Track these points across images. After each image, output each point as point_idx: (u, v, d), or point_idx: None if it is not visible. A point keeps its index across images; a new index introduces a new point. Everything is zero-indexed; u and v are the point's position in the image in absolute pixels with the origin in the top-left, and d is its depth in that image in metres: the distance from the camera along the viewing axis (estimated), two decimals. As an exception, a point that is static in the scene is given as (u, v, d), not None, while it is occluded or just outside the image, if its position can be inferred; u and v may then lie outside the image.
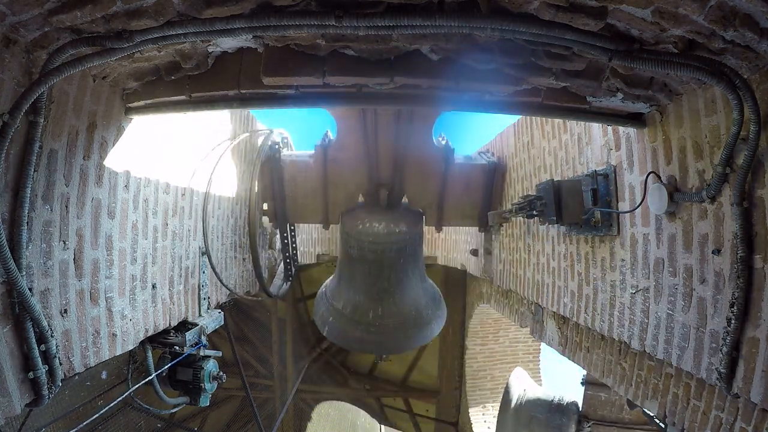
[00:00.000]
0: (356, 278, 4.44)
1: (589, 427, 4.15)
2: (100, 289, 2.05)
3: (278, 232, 4.71)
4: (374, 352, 5.14)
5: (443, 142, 4.21)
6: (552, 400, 4.57)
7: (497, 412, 5.11)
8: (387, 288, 4.31)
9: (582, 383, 4.26)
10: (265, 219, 4.56)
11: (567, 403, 4.48)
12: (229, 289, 3.54)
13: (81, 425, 2.00)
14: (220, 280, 3.34)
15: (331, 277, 4.96)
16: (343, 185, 4.26)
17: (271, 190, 4.35)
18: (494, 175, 4.36)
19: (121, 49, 1.50)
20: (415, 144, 3.91)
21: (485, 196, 4.41)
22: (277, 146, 4.21)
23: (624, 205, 2.39)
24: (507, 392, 4.81)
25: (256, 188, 3.95)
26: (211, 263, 3.10)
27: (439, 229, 4.70)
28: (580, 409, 4.33)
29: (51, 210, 1.75)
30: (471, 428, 6.39)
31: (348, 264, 4.44)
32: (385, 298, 4.36)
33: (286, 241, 4.77)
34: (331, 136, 4.07)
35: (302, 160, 4.27)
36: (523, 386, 4.83)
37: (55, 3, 1.37)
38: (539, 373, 6.54)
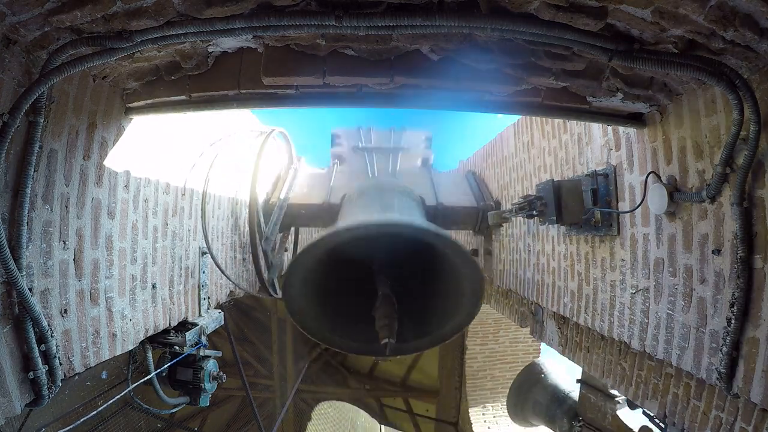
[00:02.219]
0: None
1: (579, 426, 4.18)
2: (100, 289, 2.05)
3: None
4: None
5: None
6: (558, 392, 4.69)
7: (498, 410, 5.19)
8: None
9: (577, 381, 4.30)
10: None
11: (569, 399, 4.57)
12: (234, 284, 3.54)
13: (78, 422, 1.99)
14: (225, 275, 3.34)
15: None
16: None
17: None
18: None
19: (121, 49, 1.50)
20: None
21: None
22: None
23: (624, 205, 2.39)
24: (536, 366, 4.98)
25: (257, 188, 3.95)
26: (213, 257, 3.11)
27: None
28: (575, 407, 4.40)
29: (51, 210, 1.74)
30: (471, 428, 6.38)
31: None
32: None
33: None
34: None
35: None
36: (551, 370, 5.02)
37: (55, 3, 1.37)
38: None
